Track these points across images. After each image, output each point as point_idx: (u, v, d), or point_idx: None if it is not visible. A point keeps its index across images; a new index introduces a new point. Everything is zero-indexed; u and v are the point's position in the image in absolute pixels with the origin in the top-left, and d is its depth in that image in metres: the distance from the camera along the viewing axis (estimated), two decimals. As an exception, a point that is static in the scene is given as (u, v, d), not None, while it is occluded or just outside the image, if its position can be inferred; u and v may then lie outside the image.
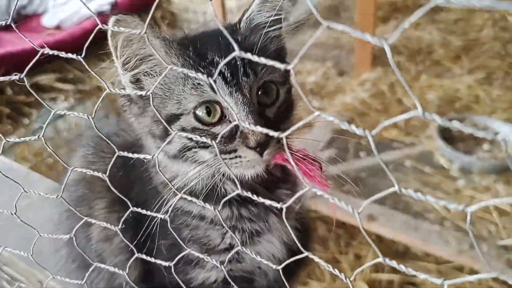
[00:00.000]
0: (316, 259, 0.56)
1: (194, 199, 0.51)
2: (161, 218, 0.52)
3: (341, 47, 4.98)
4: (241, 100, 0.59)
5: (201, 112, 0.59)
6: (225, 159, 0.58)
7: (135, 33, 0.52)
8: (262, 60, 0.40)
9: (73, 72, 2.29)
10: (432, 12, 5.02)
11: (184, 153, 0.62)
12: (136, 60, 0.63)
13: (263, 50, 0.65)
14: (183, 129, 0.62)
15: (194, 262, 0.66)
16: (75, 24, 2.63)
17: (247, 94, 0.59)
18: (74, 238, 0.57)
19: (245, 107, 0.58)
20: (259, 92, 0.63)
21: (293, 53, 3.39)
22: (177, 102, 0.58)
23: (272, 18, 0.65)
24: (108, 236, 0.69)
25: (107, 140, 0.53)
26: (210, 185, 0.61)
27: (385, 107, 3.98)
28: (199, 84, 0.60)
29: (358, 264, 2.96)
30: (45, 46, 2.37)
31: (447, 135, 3.16)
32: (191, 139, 0.60)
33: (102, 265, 0.59)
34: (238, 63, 0.60)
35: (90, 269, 0.59)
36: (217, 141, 0.52)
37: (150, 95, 0.56)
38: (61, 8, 2.70)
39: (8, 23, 0.61)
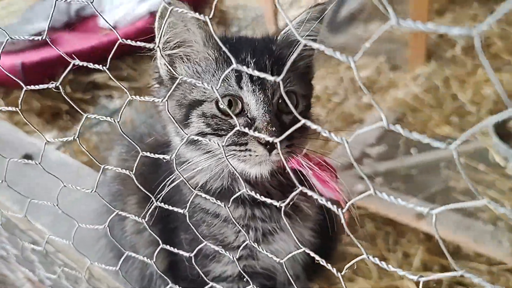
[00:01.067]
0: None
1: (207, 196, 0.54)
2: (182, 213, 0.56)
3: (395, 41, 4.86)
4: (262, 99, 0.62)
5: (223, 103, 0.62)
6: (234, 150, 0.60)
7: (183, 14, 0.56)
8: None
9: (126, 71, 2.41)
10: (491, 2, 4.80)
11: (199, 140, 0.65)
12: (176, 42, 0.67)
13: (293, 64, 0.66)
14: (203, 115, 0.66)
15: (210, 256, 0.69)
16: (129, 24, 2.75)
17: (269, 95, 0.61)
18: (107, 229, 0.63)
19: (265, 106, 0.61)
20: (280, 100, 0.64)
21: (347, 47, 3.41)
22: (203, 90, 0.62)
23: (311, 35, 0.68)
24: (139, 229, 0.74)
25: (131, 141, 0.58)
26: (223, 184, 0.64)
27: (438, 102, 3.85)
28: (226, 77, 0.63)
29: (406, 262, 2.91)
30: (100, 46, 2.49)
31: (503, 132, 3.04)
32: (208, 124, 0.63)
33: (133, 254, 0.64)
34: (267, 66, 0.62)
35: (122, 258, 0.64)
36: (232, 132, 0.56)
37: (170, 76, 0.60)
38: (116, 10, 2.84)
39: (43, 37, 0.67)
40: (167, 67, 0.65)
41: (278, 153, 0.57)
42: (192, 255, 0.57)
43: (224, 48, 0.53)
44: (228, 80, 0.64)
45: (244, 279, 0.65)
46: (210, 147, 0.63)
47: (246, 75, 0.62)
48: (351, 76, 4.40)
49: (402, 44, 4.75)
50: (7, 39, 2.09)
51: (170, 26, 0.62)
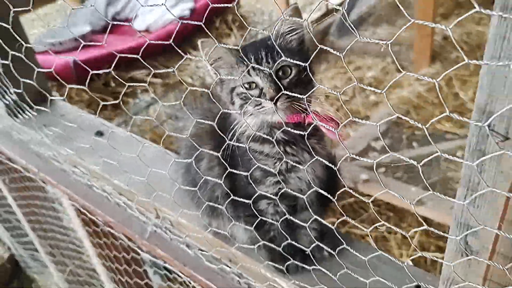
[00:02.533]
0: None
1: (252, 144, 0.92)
2: (239, 154, 0.98)
3: (401, 43, 5.18)
4: (263, 77, 0.93)
5: (244, 85, 0.96)
6: (257, 109, 0.94)
7: (213, 45, 0.90)
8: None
9: (159, 68, 2.76)
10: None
11: (240, 108, 0.97)
12: (214, 60, 0.99)
13: (286, 46, 0.97)
14: (238, 94, 0.97)
15: (258, 180, 1.04)
16: (160, 27, 3.10)
17: (267, 74, 0.92)
18: (192, 164, 0.98)
19: (266, 81, 0.92)
20: (279, 72, 0.95)
21: (355, 50, 3.80)
22: (234, 81, 0.96)
23: (291, 29, 0.96)
24: (211, 167, 1.08)
25: (216, 102, 0.91)
26: (264, 132, 0.97)
27: (440, 101, 4.16)
28: (242, 71, 0.94)
29: (405, 243, 3.23)
30: (138, 47, 2.86)
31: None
32: (241, 98, 0.96)
33: (209, 178, 0.99)
34: (263, 57, 0.94)
35: (199, 184, 0.99)
36: (252, 99, 0.94)
37: (219, 79, 0.95)
38: (148, 14, 3.19)
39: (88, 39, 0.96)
40: (215, 75, 0.99)
41: (282, 104, 0.92)
42: (248, 173, 0.92)
43: (238, 56, 0.91)
44: (245, 73, 0.93)
45: (281, 198, 1.00)
46: (247, 111, 0.97)
47: (252, 68, 0.92)
48: (359, 76, 4.73)
49: (408, 46, 5.06)
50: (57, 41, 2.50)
51: (209, 53, 0.94)
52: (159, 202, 1.26)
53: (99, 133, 1.57)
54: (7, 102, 1.71)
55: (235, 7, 3.29)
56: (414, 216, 3.09)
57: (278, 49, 0.85)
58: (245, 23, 0.95)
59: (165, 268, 2.11)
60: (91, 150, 1.41)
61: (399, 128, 4.02)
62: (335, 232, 0.98)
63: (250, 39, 1.08)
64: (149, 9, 3.21)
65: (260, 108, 0.94)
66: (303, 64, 0.85)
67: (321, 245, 0.98)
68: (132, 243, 1.60)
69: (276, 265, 1.07)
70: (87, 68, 2.71)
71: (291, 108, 0.95)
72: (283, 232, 1.04)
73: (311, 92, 0.96)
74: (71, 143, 1.49)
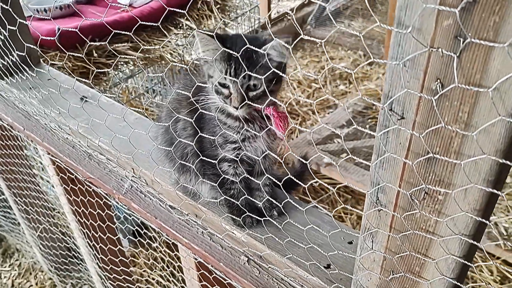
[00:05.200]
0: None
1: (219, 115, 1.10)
2: (208, 119, 1.18)
3: (373, 37, 5.41)
4: (235, 85, 1.09)
5: (219, 82, 1.11)
6: (224, 103, 1.14)
7: (206, 38, 1.07)
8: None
9: (141, 43, 2.89)
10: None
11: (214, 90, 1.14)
12: (203, 48, 1.15)
13: (266, 64, 1.08)
14: (212, 83, 1.13)
15: (220, 145, 1.23)
16: (144, 3, 3.22)
17: (239, 84, 1.08)
18: (170, 125, 1.17)
19: (236, 91, 1.09)
20: (250, 85, 1.11)
21: (332, 40, 4.04)
22: (213, 71, 1.11)
23: (275, 55, 1.09)
24: (185, 127, 1.26)
25: (192, 76, 1.08)
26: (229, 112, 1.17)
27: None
28: (221, 70, 1.10)
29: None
30: (122, 20, 2.97)
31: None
32: (215, 86, 1.12)
33: (183, 140, 1.17)
34: (241, 68, 1.07)
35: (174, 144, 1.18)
36: (221, 96, 1.13)
37: (204, 60, 1.12)
38: (133, -12, 3.30)
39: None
40: (203, 59, 1.14)
41: (243, 110, 1.12)
42: (215, 138, 1.11)
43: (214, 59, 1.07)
44: (221, 73, 1.10)
45: (239, 163, 1.21)
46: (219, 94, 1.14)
47: (229, 73, 1.08)
48: (331, 66, 4.93)
49: (379, 41, 5.30)
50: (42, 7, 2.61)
51: (200, 42, 1.10)
52: (137, 161, 1.43)
53: (83, 99, 1.72)
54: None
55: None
56: (368, 199, 3.34)
57: (256, 67, 1.05)
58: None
59: (137, 225, 2.29)
60: (76, 113, 1.56)
61: (363, 118, 4.25)
62: (284, 191, 1.17)
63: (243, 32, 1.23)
64: (133, -17, 3.29)
65: (225, 104, 1.13)
66: (271, 85, 1.07)
67: (274, 201, 1.18)
68: (108, 199, 1.77)
69: (235, 218, 1.26)
70: (71, 36, 2.78)
71: (252, 111, 1.16)
72: (242, 189, 1.24)
73: (267, 103, 1.11)
74: (57, 106, 1.63)
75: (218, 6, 3.37)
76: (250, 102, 1.09)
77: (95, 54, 2.65)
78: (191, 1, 3.30)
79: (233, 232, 1.28)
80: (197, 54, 1.15)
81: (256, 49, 0.96)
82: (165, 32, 3.18)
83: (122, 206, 1.93)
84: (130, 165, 1.49)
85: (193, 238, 1.34)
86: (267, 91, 1.07)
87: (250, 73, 1.04)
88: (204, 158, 1.17)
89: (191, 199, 1.34)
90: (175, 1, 3.16)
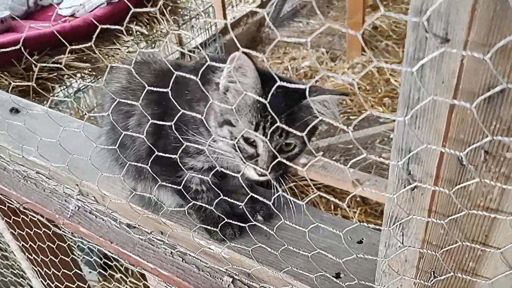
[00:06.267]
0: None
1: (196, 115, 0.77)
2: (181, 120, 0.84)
3: (334, 34, 5.24)
4: (265, 145, 0.83)
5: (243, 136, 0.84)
6: (247, 161, 0.85)
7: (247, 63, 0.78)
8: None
9: (87, 53, 2.58)
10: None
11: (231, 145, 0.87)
12: (230, 79, 0.82)
13: (307, 120, 0.84)
14: (230, 133, 0.85)
15: (189, 154, 0.93)
16: (87, 12, 2.92)
17: (272, 144, 0.83)
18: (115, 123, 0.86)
19: (266, 150, 0.83)
20: (282, 146, 0.86)
21: (290, 41, 3.74)
22: (235, 119, 0.83)
23: (320, 112, 0.83)
24: (141, 123, 0.94)
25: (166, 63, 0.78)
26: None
27: (373, 87, 4.24)
28: (251, 121, 0.82)
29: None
30: (62, 31, 2.65)
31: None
32: (231, 139, 0.84)
33: (137, 135, 0.86)
34: (279, 126, 0.76)
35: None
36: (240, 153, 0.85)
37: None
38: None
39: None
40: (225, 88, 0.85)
41: (272, 175, 0.85)
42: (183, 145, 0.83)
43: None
44: (251, 125, 0.82)
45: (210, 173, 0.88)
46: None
47: (262, 128, 0.81)
48: (294, 65, 4.73)
49: (340, 37, 5.13)
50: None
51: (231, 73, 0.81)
52: (83, 175, 1.13)
53: (14, 110, 1.41)
54: None
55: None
56: (353, 197, 3.11)
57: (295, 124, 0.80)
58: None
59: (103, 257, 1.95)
60: (4, 128, 1.26)
61: (335, 114, 4.03)
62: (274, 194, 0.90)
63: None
64: (75, -8, 3.01)
65: (249, 164, 0.85)
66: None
67: (258, 202, 0.90)
68: (57, 227, 1.45)
69: (211, 229, 0.98)
70: (7, 52, 2.44)
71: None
72: (213, 195, 0.96)
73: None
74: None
75: (170, 8, 3.10)
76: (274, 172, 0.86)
77: (35, 69, 2.32)
78: (139, 6, 3.01)
79: (209, 248, 0.99)
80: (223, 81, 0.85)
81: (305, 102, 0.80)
82: (113, 40, 2.88)
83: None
84: (73, 181, 1.18)
85: (160, 262, 1.04)
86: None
87: (290, 129, 0.68)
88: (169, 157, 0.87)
89: (152, 212, 1.05)
90: (122, 7, 2.87)
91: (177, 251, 1.05)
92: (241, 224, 0.90)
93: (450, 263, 0.64)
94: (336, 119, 0.84)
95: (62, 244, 1.54)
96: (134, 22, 2.87)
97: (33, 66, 2.35)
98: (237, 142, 0.84)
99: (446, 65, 0.49)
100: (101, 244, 1.13)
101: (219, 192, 0.86)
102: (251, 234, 0.95)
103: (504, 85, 0.44)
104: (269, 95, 0.62)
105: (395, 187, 0.61)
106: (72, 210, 1.19)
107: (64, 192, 1.22)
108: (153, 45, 2.90)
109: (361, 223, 0.83)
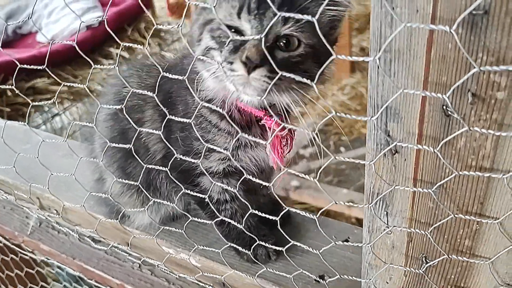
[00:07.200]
0: None
1: (213, 107, 0.65)
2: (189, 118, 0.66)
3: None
4: (255, 28, 0.65)
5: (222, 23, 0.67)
6: (226, 68, 0.66)
7: None
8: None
9: (66, 77, 2.51)
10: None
11: (205, 55, 0.71)
12: None
13: (306, 10, 0.68)
14: (211, 30, 0.69)
15: (199, 155, 0.80)
16: (66, 38, 2.87)
17: (265, 27, 0.64)
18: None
19: (257, 33, 0.65)
20: (280, 40, 0.66)
21: None
22: (214, 12, 0.65)
23: None
24: (154, 129, 0.83)
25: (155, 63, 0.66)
26: (217, 104, 0.74)
27: (363, 107, 4.19)
28: (232, 7, 0.66)
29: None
30: (40, 56, 2.59)
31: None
32: (212, 36, 0.69)
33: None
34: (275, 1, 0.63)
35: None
36: (227, 44, 0.66)
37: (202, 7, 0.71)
38: (53, 25, 2.95)
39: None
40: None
41: (258, 78, 0.64)
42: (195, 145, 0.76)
43: None
44: (233, 9, 0.66)
45: (227, 176, 0.83)
46: (213, 68, 0.69)
47: (247, 6, 0.64)
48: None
49: (329, 60, 5.13)
50: None
51: None
52: (45, 186, 1.03)
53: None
54: None
55: (149, 16, 3.13)
56: (348, 219, 3.00)
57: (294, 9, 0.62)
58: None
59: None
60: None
61: (326, 135, 3.99)
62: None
63: None
64: (54, 19, 2.97)
65: (232, 73, 0.66)
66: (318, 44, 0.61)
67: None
68: (24, 253, 1.34)
69: (241, 250, 0.84)
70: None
71: (268, 93, 0.65)
72: (239, 207, 0.87)
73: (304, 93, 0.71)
74: None
75: (151, 31, 3.07)
76: (274, 65, 0.54)
77: (9, 94, 2.26)
78: (119, 30, 2.98)
79: (179, 256, 0.89)
80: None
81: None
82: (92, 64, 2.81)
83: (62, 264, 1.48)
84: (34, 194, 1.09)
85: (127, 276, 0.94)
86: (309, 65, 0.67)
87: (287, 14, 0.51)
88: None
89: (119, 222, 0.95)
90: (101, 31, 2.83)
91: (145, 263, 0.94)
92: (278, 249, 0.78)
93: (443, 243, 0.55)
94: (347, 4, 0.68)
95: (31, 270, 1.43)
96: (115, 46, 2.82)
97: (8, 91, 2.28)
98: (212, 33, 0.69)
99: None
100: (63, 262, 1.02)
101: (246, 202, 0.76)
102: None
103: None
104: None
105: (373, 154, 0.53)
106: (33, 226, 1.08)
107: (24, 207, 1.12)
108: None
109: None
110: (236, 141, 0.79)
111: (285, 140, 0.79)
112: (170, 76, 0.63)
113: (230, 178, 0.85)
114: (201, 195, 0.78)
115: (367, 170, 0.55)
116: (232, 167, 0.83)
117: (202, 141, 0.69)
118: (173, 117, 0.68)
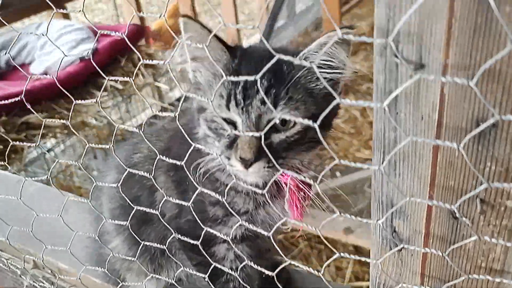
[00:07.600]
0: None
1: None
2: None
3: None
4: (245, 120, 0.63)
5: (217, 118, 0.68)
6: (223, 159, 0.65)
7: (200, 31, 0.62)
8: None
9: (60, 111, 2.50)
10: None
11: (205, 138, 0.71)
12: (195, 56, 0.69)
13: (306, 84, 0.67)
14: (206, 119, 0.69)
15: (219, 220, 0.78)
16: (60, 69, 2.86)
17: (253, 117, 0.63)
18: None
19: (247, 127, 0.63)
20: (272, 120, 0.62)
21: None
22: (207, 101, 0.63)
23: (324, 62, 0.64)
24: (168, 195, 0.81)
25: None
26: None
27: (357, 130, 4.21)
28: (221, 97, 0.64)
29: (340, 275, 3.08)
30: (33, 89, 2.57)
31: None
32: (209, 127, 0.68)
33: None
34: (258, 90, 0.61)
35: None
36: (221, 143, 0.67)
37: (195, 82, 0.71)
38: (46, 57, 2.94)
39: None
40: (193, 75, 0.72)
41: (257, 171, 0.64)
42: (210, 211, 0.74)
43: (218, 67, 0.58)
44: (222, 100, 0.64)
45: (244, 241, 0.80)
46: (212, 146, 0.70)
47: (233, 97, 0.63)
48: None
49: (322, 82, 5.16)
50: None
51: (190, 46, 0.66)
52: (40, 245, 1.01)
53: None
54: None
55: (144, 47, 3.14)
56: (346, 246, 2.98)
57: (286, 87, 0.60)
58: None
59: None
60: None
61: (321, 160, 3.96)
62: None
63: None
64: (47, 51, 2.96)
65: (228, 165, 0.65)
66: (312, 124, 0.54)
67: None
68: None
69: None
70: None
71: (273, 173, 0.65)
72: (246, 276, 0.84)
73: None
74: None
75: (145, 63, 3.05)
76: (270, 157, 0.55)
77: (2, 130, 2.23)
78: (113, 61, 2.97)
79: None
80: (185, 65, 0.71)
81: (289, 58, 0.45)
82: (87, 97, 2.81)
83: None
84: (28, 252, 1.06)
85: None
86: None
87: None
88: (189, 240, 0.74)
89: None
90: (95, 63, 2.82)
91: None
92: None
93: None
94: (344, 68, 0.66)
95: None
96: (109, 78, 2.81)
97: (1, 127, 2.26)
98: (208, 124, 0.68)
99: (424, 96, 0.40)
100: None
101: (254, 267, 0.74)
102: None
103: (496, 117, 0.35)
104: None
105: (379, 248, 0.51)
106: (26, 286, 1.06)
107: (17, 267, 1.09)
108: (129, 100, 2.84)
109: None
110: (254, 201, 0.77)
111: (302, 192, 0.77)
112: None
113: (244, 243, 0.83)
114: (218, 265, 0.75)
115: (371, 263, 0.54)
116: (249, 230, 0.81)
117: (226, 204, 0.66)
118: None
